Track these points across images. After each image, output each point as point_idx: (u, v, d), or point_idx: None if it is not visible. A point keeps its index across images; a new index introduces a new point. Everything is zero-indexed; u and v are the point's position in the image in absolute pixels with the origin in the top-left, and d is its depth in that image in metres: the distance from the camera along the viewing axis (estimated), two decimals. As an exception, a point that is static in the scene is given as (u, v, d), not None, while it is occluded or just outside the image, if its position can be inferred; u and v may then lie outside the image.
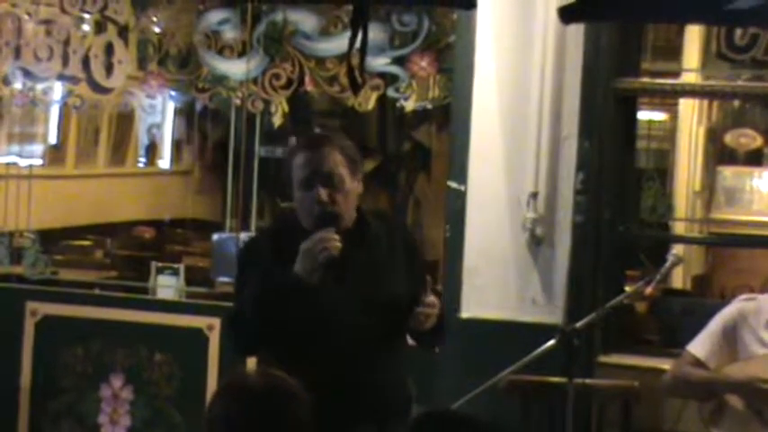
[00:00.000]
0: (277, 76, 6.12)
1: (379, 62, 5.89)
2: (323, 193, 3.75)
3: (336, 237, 3.68)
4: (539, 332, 4.63)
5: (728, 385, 4.46)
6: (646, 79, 5.80)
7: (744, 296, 4.73)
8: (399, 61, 5.91)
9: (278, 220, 4.38)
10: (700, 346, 4.58)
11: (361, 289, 3.79)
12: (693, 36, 7.93)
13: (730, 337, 4.56)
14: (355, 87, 5.72)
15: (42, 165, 9.12)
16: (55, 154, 9.66)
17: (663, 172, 9.06)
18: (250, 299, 3.75)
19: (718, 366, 4.53)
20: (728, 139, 9.30)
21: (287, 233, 3.83)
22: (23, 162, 7.68)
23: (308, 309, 3.68)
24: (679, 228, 8.86)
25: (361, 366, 3.79)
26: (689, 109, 9.19)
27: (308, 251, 3.67)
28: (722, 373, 4.50)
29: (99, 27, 6.45)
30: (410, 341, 3.99)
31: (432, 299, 3.79)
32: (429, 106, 6.09)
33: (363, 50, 4.73)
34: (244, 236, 6.29)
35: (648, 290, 4.47)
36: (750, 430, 4.45)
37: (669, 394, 4.79)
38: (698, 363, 4.54)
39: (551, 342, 4.19)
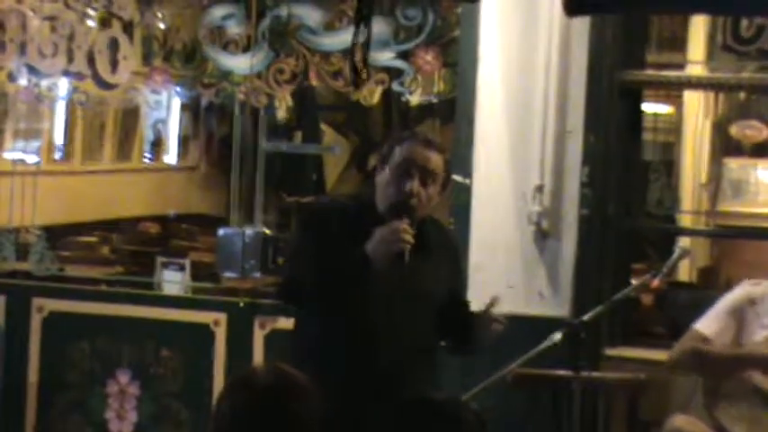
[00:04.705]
0: (281, 71, 6.12)
1: (383, 56, 5.88)
2: (415, 185, 3.82)
3: (411, 230, 3.75)
4: (545, 325, 4.64)
5: (752, 360, 4.48)
6: (651, 72, 5.80)
7: (751, 281, 4.76)
8: (404, 55, 5.91)
9: (353, 195, 4.48)
10: (707, 324, 4.62)
11: (411, 287, 3.86)
12: (699, 28, 7.92)
13: (737, 318, 4.60)
14: (357, 82, 5.72)
15: (48, 161, 9.13)
16: (61, 150, 9.66)
17: (668, 164, 9.06)
18: (315, 261, 3.81)
19: (722, 346, 4.55)
20: (734, 131, 9.28)
21: (360, 210, 3.91)
22: (29, 158, 7.68)
23: (366, 290, 3.76)
24: (685, 220, 8.87)
25: (396, 358, 3.86)
26: (694, 101, 9.19)
27: (384, 238, 3.75)
28: (744, 349, 4.52)
29: (104, 23, 6.45)
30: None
31: (499, 316, 3.90)
32: (434, 100, 6.10)
33: (367, 45, 4.73)
34: (249, 231, 6.28)
35: (655, 282, 4.48)
36: (747, 411, 4.48)
37: (676, 369, 4.79)
38: (704, 340, 4.57)
39: (558, 335, 4.19)
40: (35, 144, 7.76)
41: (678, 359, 4.68)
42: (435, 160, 3.88)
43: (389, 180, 3.87)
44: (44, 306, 6.37)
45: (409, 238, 3.74)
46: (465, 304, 4.04)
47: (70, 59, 6.43)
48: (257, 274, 6.18)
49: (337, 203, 4.33)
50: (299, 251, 4.05)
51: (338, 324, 3.86)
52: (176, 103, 10.42)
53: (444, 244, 4.05)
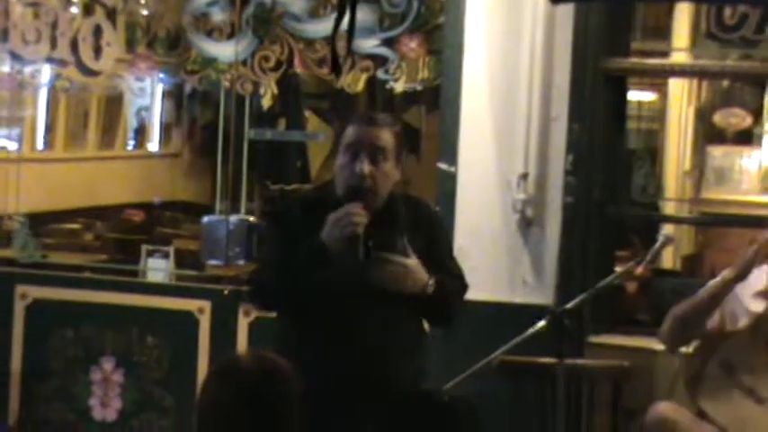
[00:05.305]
0: (266, 58, 6.11)
1: (368, 44, 5.88)
2: (365, 166, 3.83)
3: (363, 212, 3.77)
4: (529, 313, 4.64)
5: (727, 280, 4.51)
6: (635, 59, 5.80)
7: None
8: (389, 43, 5.90)
9: (317, 187, 4.50)
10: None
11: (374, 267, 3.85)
12: (683, 16, 7.93)
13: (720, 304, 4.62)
14: (337, 69, 5.72)
15: (31, 148, 9.10)
16: (44, 137, 9.64)
17: (652, 152, 9.08)
18: (276, 260, 3.87)
19: (704, 332, 4.59)
20: (718, 118, 9.31)
21: (323, 200, 3.91)
22: (12, 146, 7.66)
23: (327, 277, 3.76)
24: (669, 208, 8.90)
25: (369, 341, 3.86)
26: (678, 89, 9.21)
27: (336, 222, 3.76)
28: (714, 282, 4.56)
29: (87, 9, 6.43)
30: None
31: (401, 258, 3.82)
32: (419, 88, 6.08)
33: (351, 32, 4.72)
34: (234, 219, 6.28)
35: (639, 270, 4.49)
36: (728, 396, 4.51)
37: (670, 344, 4.76)
38: None
39: (542, 323, 4.20)
40: (18, 131, 7.73)
41: (668, 333, 4.66)
42: (384, 137, 3.88)
43: (343, 164, 3.89)
44: (27, 293, 6.36)
45: (361, 219, 3.75)
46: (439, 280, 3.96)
47: (53, 46, 6.41)
48: (242, 262, 6.18)
49: (301, 197, 4.33)
50: (265, 253, 4.06)
51: (309, 313, 3.87)
52: (160, 91, 10.40)
53: (417, 218, 4.02)
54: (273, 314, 4.13)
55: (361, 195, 3.82)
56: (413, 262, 3.84)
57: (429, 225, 4.06)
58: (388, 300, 3.85)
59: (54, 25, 6.39)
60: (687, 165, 9.29)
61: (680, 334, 4.67)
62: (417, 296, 3.87)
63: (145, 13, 6.45)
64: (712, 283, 4.59)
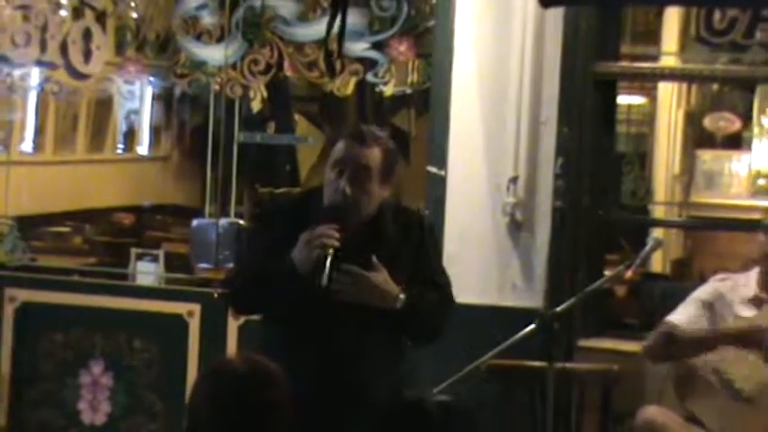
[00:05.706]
0: (256, 62, 6.11)
1: (358, 47, 5.88)
2: (346, 188, 3.77)
3: (336, 235, 3.71)
4: (519, 316, 4.65)
5: (728, 336, 4.53)
6: (625, 63, 5.82)
7: (719, 276, 4.81)
8: (378, 46, 5.91)
9: (304, 191, 4.45)
10: (679, 316, 4.65)
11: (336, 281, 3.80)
12: (672, 20, 7.95)
13: (709, 310, 4.63)
14: (331, 71, 5.72)
15: (20, 151, 9.07)
16: (33, 140, 9.61)
17: (642, 156, 9.09)
18: (253, 266, 3.88)
19: (692, 330, 4.61)
20: (707, 122, 9.34)
21: (309, 206, 3.89)
22: (0, 148, 7.64)
23: (301, 293, 3.73)
24: (658, 211, 8.91)
25: (345, 350, 3.83)
26: (668, 93, 9.22)
27: (306, 243, 3.72)
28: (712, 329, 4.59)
29: (77, 13, 6.43)
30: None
31: (363, 272, 3.77)
32: (408, 91, 6.10)
33: (341, 35, 4.73)
34: (223, 222, 6.27)
35: (628, 274, 4.50)
36: (717, 399, 4.53)
37: (651, 357, 4.81)
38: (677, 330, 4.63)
39: (531, 326, 4.20)
40: (6, 134, 7.72)
41: (653, 346, 4.71)
42: (371, 156, 3.79)
43: (329, 180, 3.83)
44: (16, 296, 6.34)
45: (331, 242, 3.68)
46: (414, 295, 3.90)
47: (43, 49, 6.40)
48: (231, 265, 6.17)
49: (288, 201, 4.28)
50: (245, 255, 4.04)
51: (284, 322, 3.87)
52: (149, 94, 10.38)
53: (407, 229, 3.95)
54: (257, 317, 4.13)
55: (338, 215, 3.76)
56: (378, 276, 3.79)
57: (419, 237, 3.98)
58: (361, 313, 3.81)
59: (43, 28, 6.38)
60: (677, 168, 9.31)
61: (668, 354, 4.71)
62: (389, 310, 3.82)
63: (134, 16, 6.45)
64: (709, 332, 4.62)
